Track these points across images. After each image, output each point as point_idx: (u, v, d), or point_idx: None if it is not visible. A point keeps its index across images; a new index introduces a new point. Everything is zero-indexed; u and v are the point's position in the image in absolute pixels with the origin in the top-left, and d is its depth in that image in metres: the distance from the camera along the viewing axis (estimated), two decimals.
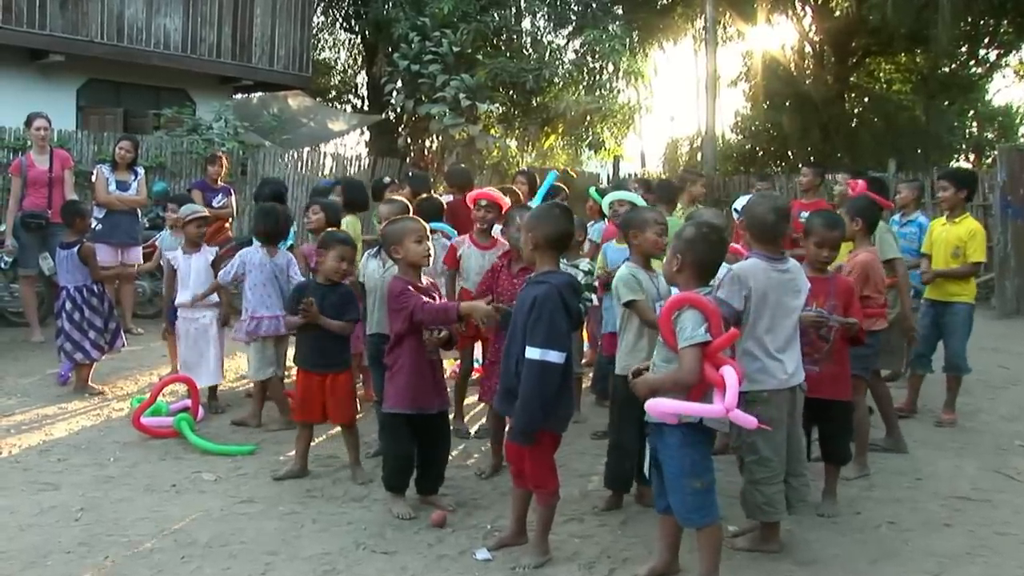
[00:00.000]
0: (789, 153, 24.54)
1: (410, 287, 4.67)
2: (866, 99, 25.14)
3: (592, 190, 8.56)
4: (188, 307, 6.71)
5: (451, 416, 5.46)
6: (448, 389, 5.10)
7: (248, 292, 6.41)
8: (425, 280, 4.91)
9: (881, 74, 25.66)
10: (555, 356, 3.92)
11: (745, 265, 4.25)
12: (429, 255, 4.89)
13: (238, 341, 6.59)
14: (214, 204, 9.71)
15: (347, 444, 5.43)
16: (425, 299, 4.63)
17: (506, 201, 6.43)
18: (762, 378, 4.16)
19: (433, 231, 5.46)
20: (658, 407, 3.64)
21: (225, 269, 6.47)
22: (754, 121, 25.77)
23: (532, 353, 3.92)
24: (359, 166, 16.40)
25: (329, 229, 6.22)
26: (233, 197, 10.15)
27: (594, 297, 6.18)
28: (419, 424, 4.75)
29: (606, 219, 7.41)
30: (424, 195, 7.39)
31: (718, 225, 4.20)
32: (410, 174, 10.81)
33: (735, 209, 6.20)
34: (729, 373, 3.57)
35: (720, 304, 4.05)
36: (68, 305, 7.12)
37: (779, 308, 4.23)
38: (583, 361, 7.49)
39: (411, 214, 5.67)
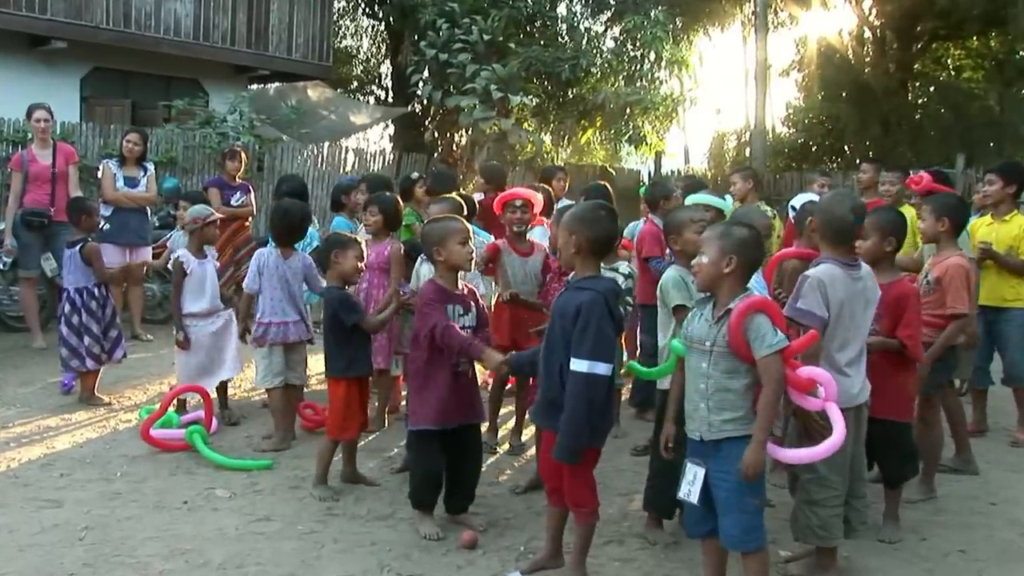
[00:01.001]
0: (846, 148, 24.32)
1: (442, 296, 4.72)
2: (932, 88, 24.89)
3: (643, 189, 8.51)
4: (204, 316, 6.66)
5: (483, 428, 5.46)
6: (483, 400, 5.12)
7: (258, 296, 6.40)
8: (462, 285, 4.93)
9: (949, 60, 25.35)
10: (603, 368, 3.92)
11: (824, 271, 4.19)
12: (472, 258, 4.93)
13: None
14: (232, 203, 9.74)
15: (351, 450, 5.61)
16: (450, 323, 4.65)
17: (539, 199, 6.38)
18: None
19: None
20: (798, 457, 3.82)
21: (250, 277, 6.39)
22: (807, 113, 25.60)
23: (579, 365, 3.92)
24: (383, 162, 16.47)
25: (338, 231, 6.25)
26: (252, 194, 10.17)
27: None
28: (448, 437, 4.76)
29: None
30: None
31: (758, 229, 4.16)
32: (433, 170, 10.82)
33: (792, 207, 6.15)
34: (817, 372, 3.70)
35: (804, 315, 4.04)
36: (67, 308, 7.17)
37: (852, 320, 4.21)
38: (622, 372, 7.45)
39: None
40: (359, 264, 5.54)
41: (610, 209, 4.30)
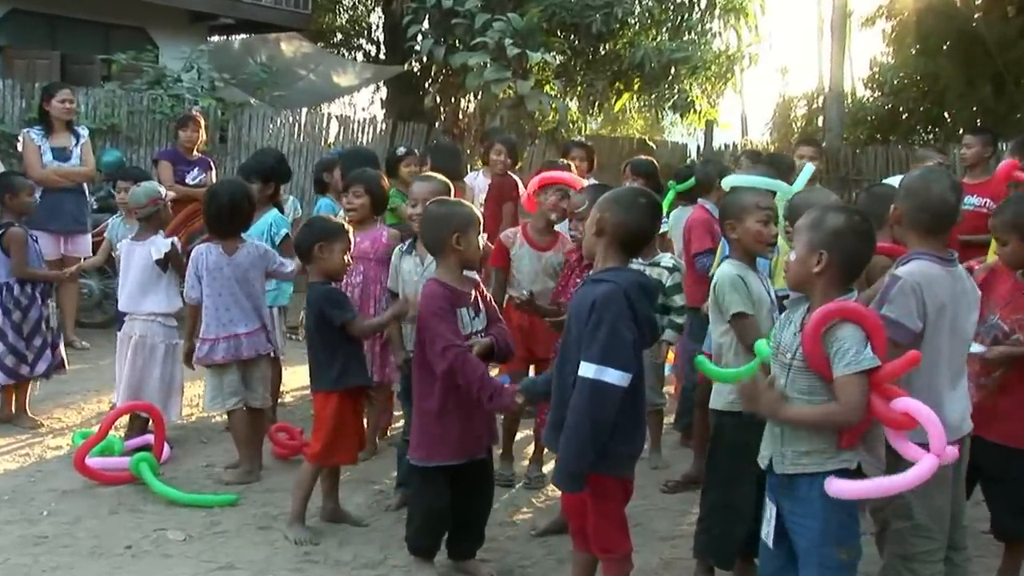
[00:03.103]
0: (946, 115, 24.10)
1: (451, 299, 4.74)
2: None
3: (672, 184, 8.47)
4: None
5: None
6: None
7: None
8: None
9: None
10: (614, 376, 3.91)
11: (920, 270, 4.08)
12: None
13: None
14: (188, 180, 9.76)
15: (334, 481, 5.68)
16: (469, 353, 4.67)
17: (582, 183, 6.36)
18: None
19: None
20: (849, 492, 3.60)
21: (187, 284, 6.35)
22: (897, 72, 25.33)
23: (586, 369, 3.93)
24: (373, 132, 16.50)
25: (323, 215, 6.28)
26: (213, 172, 10.19)
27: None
28: (457, 469, 4.79)
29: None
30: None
31: (865, 215, 4.05)
32: (434, 143, 10.83)
33: None
34: (918, 406, 3.53)
35: (892, 327, 3.89)
36: None
37: (954, 329, 4.11)
38: (666, 389, 7.46)
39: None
40: (346, 258, 5.56)
41: (652, 200, 4.32)
